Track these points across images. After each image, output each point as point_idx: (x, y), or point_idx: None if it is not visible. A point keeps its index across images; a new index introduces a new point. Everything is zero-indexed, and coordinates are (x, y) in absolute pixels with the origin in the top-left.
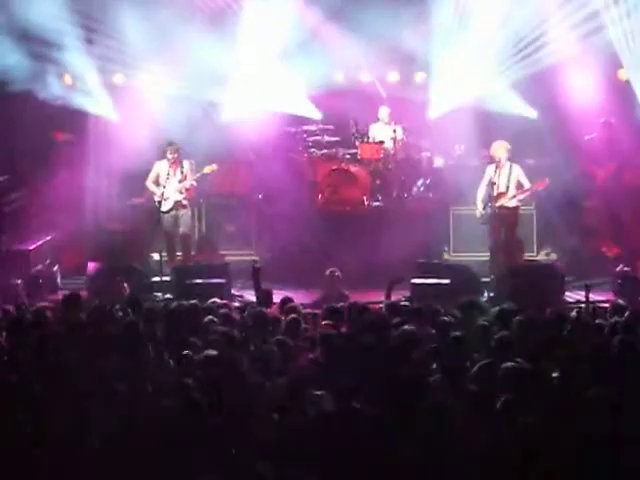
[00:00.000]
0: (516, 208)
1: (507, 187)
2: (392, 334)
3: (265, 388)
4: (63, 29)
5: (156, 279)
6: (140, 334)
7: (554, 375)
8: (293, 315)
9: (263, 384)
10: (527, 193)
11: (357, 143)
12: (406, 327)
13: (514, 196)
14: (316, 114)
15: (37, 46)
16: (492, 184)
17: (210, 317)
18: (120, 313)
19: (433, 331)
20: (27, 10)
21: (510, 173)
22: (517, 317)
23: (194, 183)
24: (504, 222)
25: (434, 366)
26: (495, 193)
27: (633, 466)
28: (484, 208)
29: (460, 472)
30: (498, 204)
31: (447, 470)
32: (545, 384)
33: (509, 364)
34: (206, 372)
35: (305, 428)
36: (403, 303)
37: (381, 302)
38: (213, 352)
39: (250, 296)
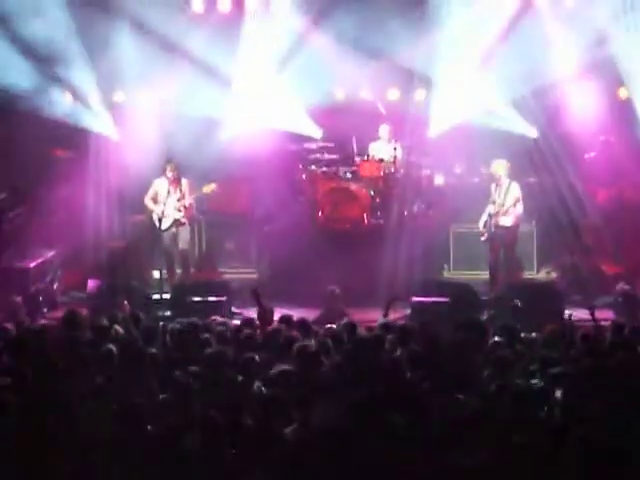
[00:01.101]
0: (515, 227)
1: (503, 205)
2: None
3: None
4: (64, 46)
5: (156, 297)
6: (140, 352)
7: (557, 394)
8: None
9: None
10: (519, 205)
11: (357, 160)
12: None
13: (505, 212)
14: (316, 132)
15: (38, 63)
16: (492, 202)
17: (206, 335)
18: (120, 331)
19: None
20: (29, 27)
21: (508, 191)
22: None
23: (192, 202)
24: (503, 241)
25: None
26: (494, 211)
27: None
28: (484, 226)
29: None
30: (496, 223)
31: None
32: (548, 402)
33: (510, 382)
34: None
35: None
36: (402, 322)
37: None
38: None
39: (251, 313)
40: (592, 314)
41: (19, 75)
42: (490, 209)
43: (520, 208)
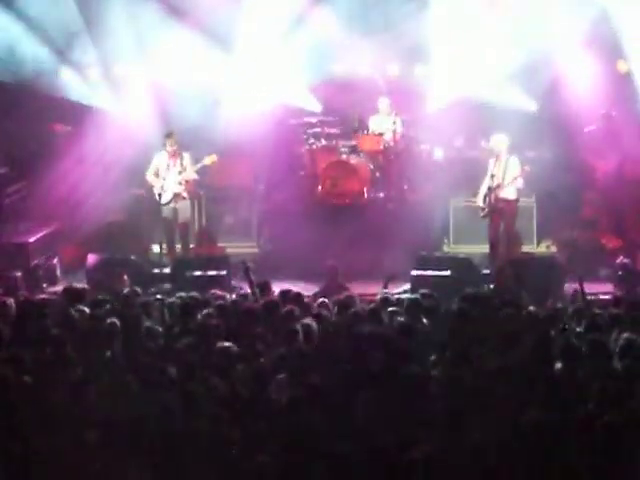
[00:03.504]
0: (515, 201)
1: (503, 179)
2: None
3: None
4: (65, 20)
5: (156, 271)
6: (140, 327)
7: (557, 367)
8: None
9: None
10: (519, 180)
11: (358, 135)
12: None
13: (505, 185)
14: (316, 106)
15: (39, 38)
16: (491, 177)
17: (207, 310)
18: (120, 306)
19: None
20: (30, 3)
21: (507, 166)
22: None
23: (195, 176)
24: (503, 214)
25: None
26: (494, 185)
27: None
28: (484, 201)
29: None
30: (496, 196)
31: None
32: (546, 377)
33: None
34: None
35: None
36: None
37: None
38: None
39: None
40: (581, 286)
41: (20, 49)
42: (489, 183)
43: (520, 182)
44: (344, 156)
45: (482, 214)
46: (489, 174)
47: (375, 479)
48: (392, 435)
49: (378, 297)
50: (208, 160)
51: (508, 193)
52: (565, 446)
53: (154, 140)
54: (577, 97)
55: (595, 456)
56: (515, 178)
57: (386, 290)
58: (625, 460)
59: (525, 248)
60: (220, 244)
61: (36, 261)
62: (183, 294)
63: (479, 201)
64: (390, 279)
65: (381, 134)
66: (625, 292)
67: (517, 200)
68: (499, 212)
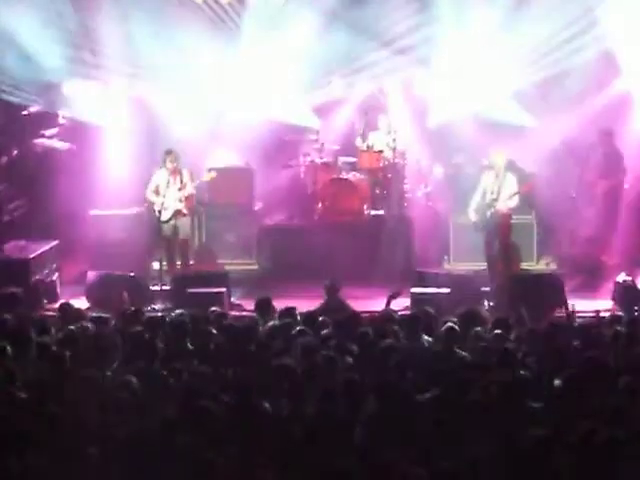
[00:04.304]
0: (507, 215)
1: (498, 195)
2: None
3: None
4: (64, 38)
5: (156, 288)
6: (142, 344)
7: (556, 383)
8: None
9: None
10: (515, 197)
11: (360, 144)
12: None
13: (506, 198)
14: (316, 123)
15: (39, 55)
16: (486, 193)
17: (209, 327)
18: (120, 323)
19: (427, 338)
20: (28, 20)
21: (503, 182)
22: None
23: (193, 192)
24: (498, 228)
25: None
26: (489, 201)
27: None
28: (476, 216)
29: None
30: (492, 211)
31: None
32: (546, 394)
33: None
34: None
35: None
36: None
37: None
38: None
39: (249, 305)
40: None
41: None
42: (484, 198)
43: (515, 200)
44: (344, 173)
45: (475, 228)
46: (481, 188)
47: None
48: (393, 451)
49: (378, 314)
50: (207, 177)
51: (501, 207)
52: (565, 462)
53: (153, 157)
54: (577, 115)
55: (595, 472)
56: (511, 196)
57: (388, 307)
58: (625, 476)
59: (525, 265)
60: (220, 261)
61: (36, 278)
62: (183, 311)
63: (471, 216)
64: (394, 296)
65: (381, 151)
66: (625, 310)
67: (509, 215)
68: (495, 226)
